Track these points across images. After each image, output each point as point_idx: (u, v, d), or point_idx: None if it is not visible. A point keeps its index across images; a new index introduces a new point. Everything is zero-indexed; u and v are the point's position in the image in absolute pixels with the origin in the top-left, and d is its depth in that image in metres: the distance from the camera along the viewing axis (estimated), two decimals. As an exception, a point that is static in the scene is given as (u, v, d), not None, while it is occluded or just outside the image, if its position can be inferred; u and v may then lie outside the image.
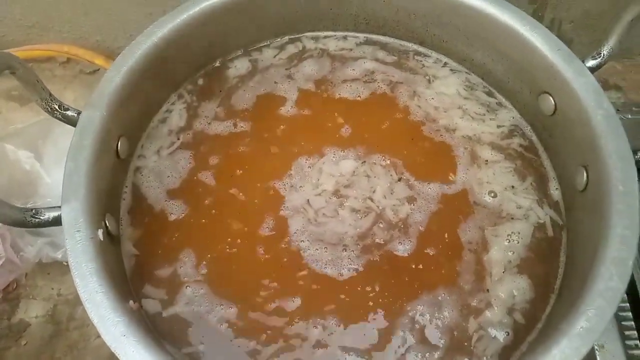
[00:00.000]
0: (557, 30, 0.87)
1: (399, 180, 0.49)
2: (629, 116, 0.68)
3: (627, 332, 0.53)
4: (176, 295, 0.43)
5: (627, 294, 0.55)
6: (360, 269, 0.45)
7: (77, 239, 0.38)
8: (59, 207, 0.39)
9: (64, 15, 0.83)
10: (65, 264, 0.70)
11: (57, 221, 0.39)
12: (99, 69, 0.86)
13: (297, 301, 0.43)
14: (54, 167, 0.71)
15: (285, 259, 0.45)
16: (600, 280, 0.35)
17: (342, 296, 0.43)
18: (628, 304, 0.55)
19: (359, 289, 0.44)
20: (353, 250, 0.45)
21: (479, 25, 0.51)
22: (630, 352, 0.52)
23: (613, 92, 0.91)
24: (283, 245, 0.46)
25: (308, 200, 0.48)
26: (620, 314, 0.54)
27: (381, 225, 0.47)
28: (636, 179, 0.39)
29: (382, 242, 0.46)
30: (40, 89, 0.43)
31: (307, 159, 0.50)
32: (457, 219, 0.47)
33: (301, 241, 0.46)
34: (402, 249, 0.46)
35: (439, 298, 0.43)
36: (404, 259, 0.45)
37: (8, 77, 0.86)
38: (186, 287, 0.44)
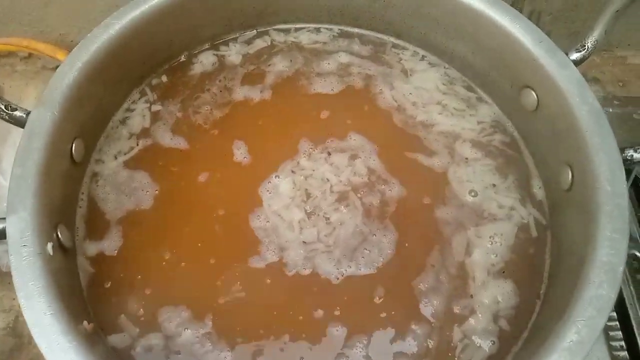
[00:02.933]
0: (536, 22, 0.86)
1: (329, 154, 0.48)
2: (611, 110, 0.67)
3: (611, 333, 0.52)
4: (139, 327, 0.40)
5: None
6: (397, 234, 0.44)
7: (23, 254, 0.34)
8: (4, 218, 0.36)
9: (24, 7, 0.78)
10: (27, 272, 0.67)
11: (2, 234, 0.35)
12: (61, 64, 0.81)
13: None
14: (13, 169, 0.67)
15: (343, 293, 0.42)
16: (590, 287, 0.33)
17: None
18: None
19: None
20: (378, 229, 0.44)
21: (459, 16, 0.48)
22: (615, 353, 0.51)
23: (592, 84, 0.90)
24: (337, 285, 0.42)
25: (303, 242, 0.44)
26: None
27: (364, 192, 0.46)
28: (624, 178, 0.37)
29: (380, 201, 0.46)
30: (-17, 87, 0.39)
31: (258, 217, 0.45)
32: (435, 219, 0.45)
33: (347, 267, 0.43)
34: (395, 191, 0.46)
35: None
36: (406, 198, 0.46)
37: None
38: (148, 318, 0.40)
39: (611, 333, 0.52)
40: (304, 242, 0.44)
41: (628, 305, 0.54)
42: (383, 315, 0.40)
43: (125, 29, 0.46)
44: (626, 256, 0.34)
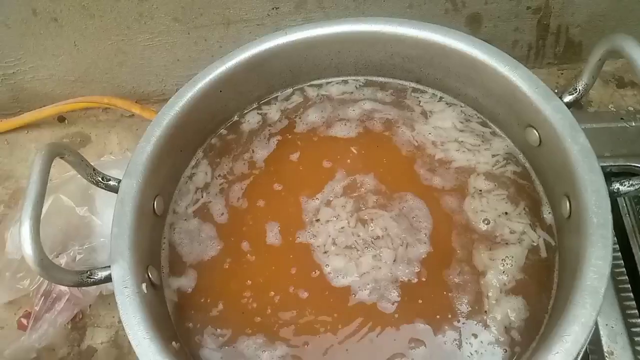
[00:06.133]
0: (565, 34, 0.89)
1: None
2: (634, 124, 0.70)
3: (636, 338, 0.57)
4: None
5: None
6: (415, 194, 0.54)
7: (126, 294, 0.45)
8: (109, 267, 0.47)
9: (102, 69, 0.92)
10: (122, 295, 0.79)
11: (108, 279, 0.47)
12: (136, 114, 0.95)
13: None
14: (105, 209, 0.80)
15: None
16: (575, 307, 0.40)
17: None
18: (637, 311, 0.58)
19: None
20: (400, 203, 0.54)
21: (466, 66, 0.55)
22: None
23: (629, 89, 0.92)
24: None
25: (394, 261, 0.51)
26: (630, 320, 0.58)
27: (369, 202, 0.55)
28: (609, 210, 0.43)
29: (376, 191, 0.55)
30: (86, 166, 0.51)
31: (360, 289, 0.50)
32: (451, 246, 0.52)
33: (421, 242, 0.52)
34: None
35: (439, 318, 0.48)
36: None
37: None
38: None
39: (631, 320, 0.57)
40: (394, 261, 0.51)
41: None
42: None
43: (188, 103, 0.56)
44: (608, 280, 0.40)
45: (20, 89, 0.95)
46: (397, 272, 0.51)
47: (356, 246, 0.53)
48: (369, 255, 0.52)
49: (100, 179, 0.52)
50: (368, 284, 0.51)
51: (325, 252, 0.53)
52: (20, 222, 0.42)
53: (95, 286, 0.77)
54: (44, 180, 0.45)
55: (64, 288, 0.76)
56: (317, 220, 0.54)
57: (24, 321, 0.75)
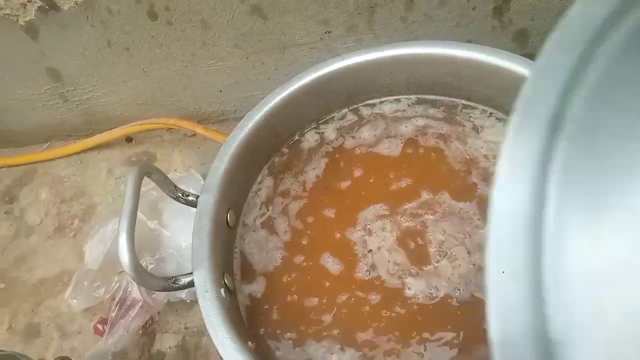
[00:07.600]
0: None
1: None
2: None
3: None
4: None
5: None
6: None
7: (207, 297, 0.50)
8: (191, 273, 0.53)
9: (167, 92, 0.99)
10: (189, 302, 0.85)
11: (191, 284, 0.52)
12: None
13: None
14: (171, 222, 0.87)
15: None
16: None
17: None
18: None
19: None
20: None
21: (516, 85, 0.58)
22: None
23: None
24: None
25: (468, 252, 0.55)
26: None
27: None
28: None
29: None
30: (169, 184, 0.57)
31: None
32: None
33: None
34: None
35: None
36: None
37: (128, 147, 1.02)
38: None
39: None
40: (469, 253, 0.55)
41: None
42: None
43: (255, 125, 0.61)
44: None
45: (93, 112, 1.04)
46: (478, 261, 0.54)
47: (431, 258, 0.56)
48: (445, 260, 0.55)
49: (180, 194, 0.58)
50: (459, 283, 0.53)
51: (400, 277, 0.55)
52: (119, 234, 0.48)
53: (164, 294, 0.85)
54: (137, 196, 0.51)
55: (137, 296, 0.82)
56: (370, 251, 0.57)
57: (100, 327, 0.82)
